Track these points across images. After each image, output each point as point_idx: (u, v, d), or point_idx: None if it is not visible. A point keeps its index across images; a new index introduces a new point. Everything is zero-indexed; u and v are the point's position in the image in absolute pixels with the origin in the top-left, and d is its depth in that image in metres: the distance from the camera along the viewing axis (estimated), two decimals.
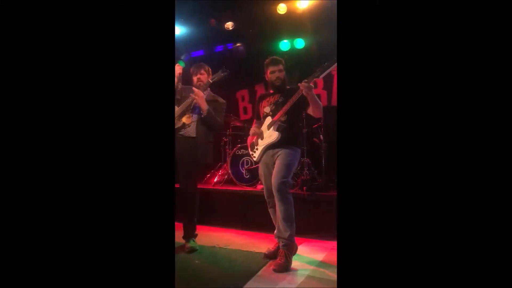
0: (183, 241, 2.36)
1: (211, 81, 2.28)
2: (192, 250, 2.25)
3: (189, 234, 2.35)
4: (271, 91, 2.24)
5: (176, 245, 2.37)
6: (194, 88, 2.25)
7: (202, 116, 2.24)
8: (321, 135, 3.39)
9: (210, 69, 2.41)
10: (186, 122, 2.28)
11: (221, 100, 2.42)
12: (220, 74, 2.30)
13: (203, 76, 2.35)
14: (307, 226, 2.52)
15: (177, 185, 2.32)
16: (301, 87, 1.86)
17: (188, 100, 2.27)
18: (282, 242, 1.99)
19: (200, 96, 2.22)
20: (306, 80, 1.84)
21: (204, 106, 2.23)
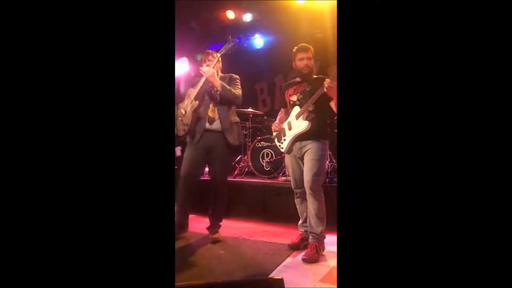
0: (207, 232, 2.40)
1: (219, 54, 2.19)
2: (216, 241, 2.29)
3: (214, 225, 2.38)
4: (298, 79, 2.18)
5: (200, 236, 2.43)
6: (201, 68, 2.19)
7: (218, 92, 2.19)
8: None
9: (219, 57, 2.30)
10: (211, 116, 2.25)
11: (234, 75, 2.36)
12: (227, 46, 2.20)
13: (211, 62, 2.27)
14: (330, 219, 2.50)
15: (208, 178, 2.41)
16: (325, 84, 1.86)
17: (201, 81, 2.22)
18: (313, 236, 2.00)
19: (210, 74, 2.15)
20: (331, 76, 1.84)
21: (216, 82, 2.17)
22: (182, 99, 2.35)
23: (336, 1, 0.91)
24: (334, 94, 1.86)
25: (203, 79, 2.22)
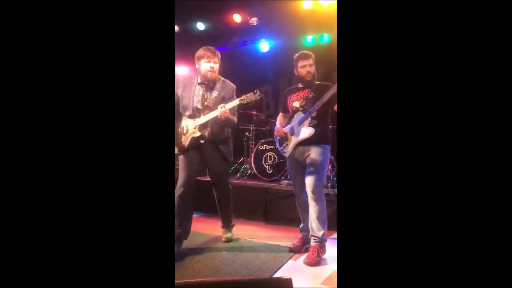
0: (209, 232, 2.45)
1: (239, 101, 2.03)
2: (229, 240, 2.34)
3: (227, 224, 2.42)
4: (300, 85, 2.21)
5: (202, 237, 2.46)
6: (219, 115, 2.03)
7: (223, 124, 2.15)
8: None
9: (238, 103, 2.09)
10: (204, 134, 2.16)
11: (230, 85, 2.23)
12: (252, 97, 2.02)
13: (217, 65, 2.13)
14: (332, 222, 2.52)
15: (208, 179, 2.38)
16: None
17: (212, 114, 2.09)
18: (315, 239, 2.02)
19: (225, 116, 2.02)
20: None
21: (226, 119, 2.07)
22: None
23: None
24: None
25: (213, 113, 2.07)
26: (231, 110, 2.10)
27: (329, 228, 2.11)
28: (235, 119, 2.22)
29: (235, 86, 2.26)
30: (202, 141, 2.17)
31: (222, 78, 2.25)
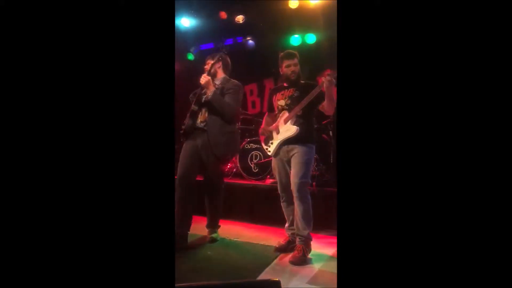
0: (204, 232, 2.41)
1: (212, 62, 2.28)
2: (213, 241, 2.31)
3: (214, 225, 2.40)
4: (285, 85, 2.20)
5: (196, 237, 2.42)
6: (200, 80, 2.20)
7: (208, 98, 2.18)
8: (330, 132, 3.40)
9: (222, 58, 2.36)
10: (202, 120, 2.25)
11: (235, 83, 2.33)
12: (219, 55, 2.33)
13: (207, 66, 2.34)
14: (316, 221, 2.53)
15: (200, 178, 2.36)
16: (324, 81, 1.84)
17: (198, 90, 2.26)
18: (300, 238, 2.02)
19: (205, 80, 2.16)
20: (329, 74, 1.82)
21: (209, 91, 2.18)
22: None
23: (330, 5, 0.89)
24: (329, 93, 1.87)
25: (198, 90, 2.26)
26: (230, 93, 2.25)
27: (315, 227, 2.12)
28: (233, 100, 2.28)
29: (239, 84, 2.37)
30: (199, 121, 2.26)
31: (227, 77, 2.39)
